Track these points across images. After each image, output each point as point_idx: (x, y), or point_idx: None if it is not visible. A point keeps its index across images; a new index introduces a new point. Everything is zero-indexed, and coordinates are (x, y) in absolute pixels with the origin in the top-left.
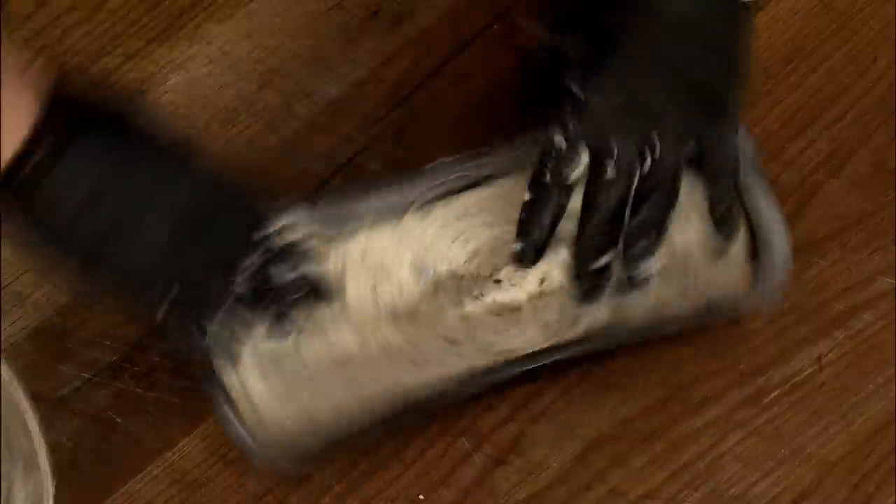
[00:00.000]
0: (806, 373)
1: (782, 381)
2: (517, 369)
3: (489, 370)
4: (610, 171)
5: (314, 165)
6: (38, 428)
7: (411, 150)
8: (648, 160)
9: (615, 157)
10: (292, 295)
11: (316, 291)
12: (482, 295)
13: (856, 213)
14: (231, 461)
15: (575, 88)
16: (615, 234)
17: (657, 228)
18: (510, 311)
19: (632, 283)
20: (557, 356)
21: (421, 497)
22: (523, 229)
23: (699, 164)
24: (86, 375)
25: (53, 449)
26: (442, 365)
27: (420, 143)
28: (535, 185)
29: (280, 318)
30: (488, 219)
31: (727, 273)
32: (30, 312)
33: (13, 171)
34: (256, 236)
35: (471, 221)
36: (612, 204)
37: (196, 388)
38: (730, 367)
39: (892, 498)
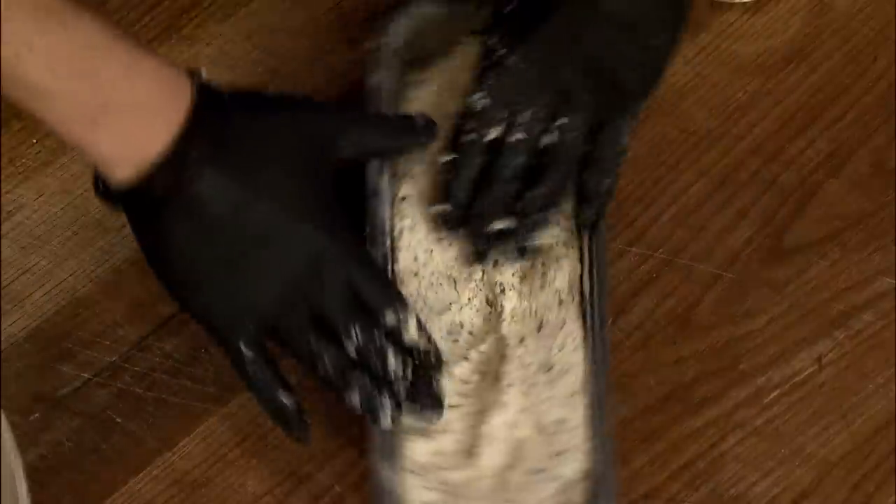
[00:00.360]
0: (806, 373)
1: (782, 380)
2: (602, 292)
3: (591, 305)
4: (518, 135)
5: None
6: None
7: None
8: (555, 134)
9: (524, 123)
10: (395, 386)
11: (417, 397)
12: (503, 289)
13: (856, 213)
14: (231, 461)
15: (496, 45)
16: (510, 202)
17: (551, 203)
18: (527, 273)
19: (521, 252)
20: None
21: None
22: (449, 190)
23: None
24: (86, 375)
25: (54, 449)
26: (566, 335)
27: None
28: (457, 144)
29: (371, 400)
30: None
31: None
32: (30, 312)
33: (167, 163)
34: (386, 318)
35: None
36: (513, 169)
37: (196, 389)
38: (730, 366)
39: (893, 498)
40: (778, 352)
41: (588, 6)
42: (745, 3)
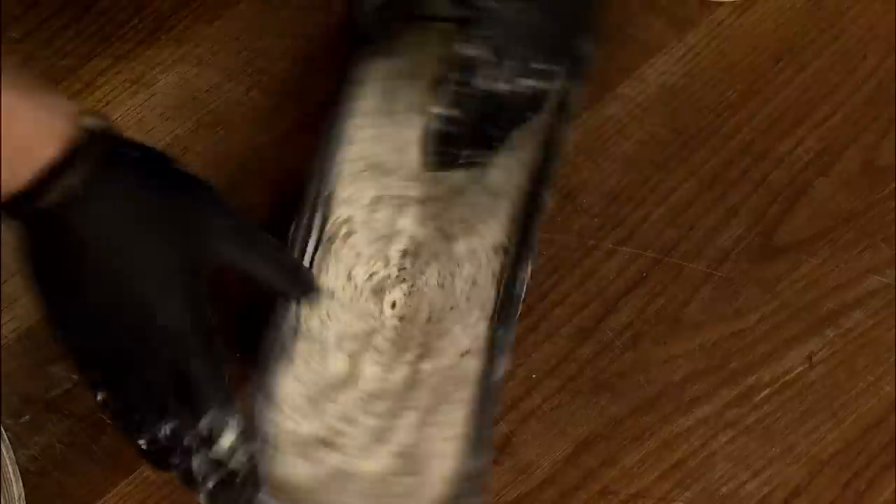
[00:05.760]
0: (796, 371)
1: (773, 379)
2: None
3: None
4: (501, 86)
5: (304, 166)
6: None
7: None
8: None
9: (501, 70)
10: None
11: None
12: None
13: (846, 212)
14: None
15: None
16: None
17: (494, 144)
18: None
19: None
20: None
21: None
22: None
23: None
24: (76, 377)
25: (44, 451)
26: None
27: None
28: (455, 94)
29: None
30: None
31: None
32: (20, 314)
33: (40, 187)
34: (194, 428)
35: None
36: (480, 110)
37: None
38: (720, 365)
39: (883, 496)
40: (768, 350)
41: None
42: (734, 1)
